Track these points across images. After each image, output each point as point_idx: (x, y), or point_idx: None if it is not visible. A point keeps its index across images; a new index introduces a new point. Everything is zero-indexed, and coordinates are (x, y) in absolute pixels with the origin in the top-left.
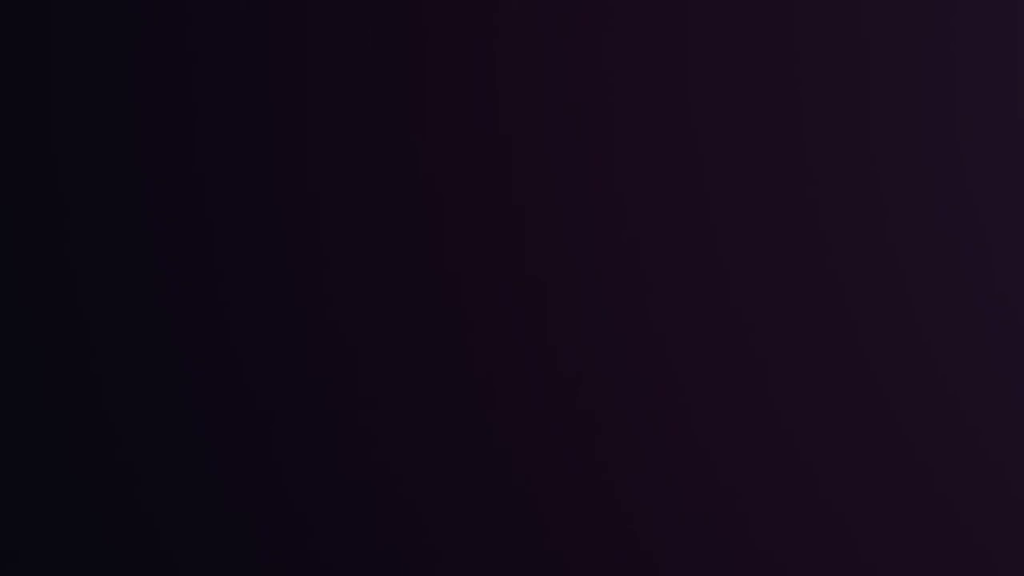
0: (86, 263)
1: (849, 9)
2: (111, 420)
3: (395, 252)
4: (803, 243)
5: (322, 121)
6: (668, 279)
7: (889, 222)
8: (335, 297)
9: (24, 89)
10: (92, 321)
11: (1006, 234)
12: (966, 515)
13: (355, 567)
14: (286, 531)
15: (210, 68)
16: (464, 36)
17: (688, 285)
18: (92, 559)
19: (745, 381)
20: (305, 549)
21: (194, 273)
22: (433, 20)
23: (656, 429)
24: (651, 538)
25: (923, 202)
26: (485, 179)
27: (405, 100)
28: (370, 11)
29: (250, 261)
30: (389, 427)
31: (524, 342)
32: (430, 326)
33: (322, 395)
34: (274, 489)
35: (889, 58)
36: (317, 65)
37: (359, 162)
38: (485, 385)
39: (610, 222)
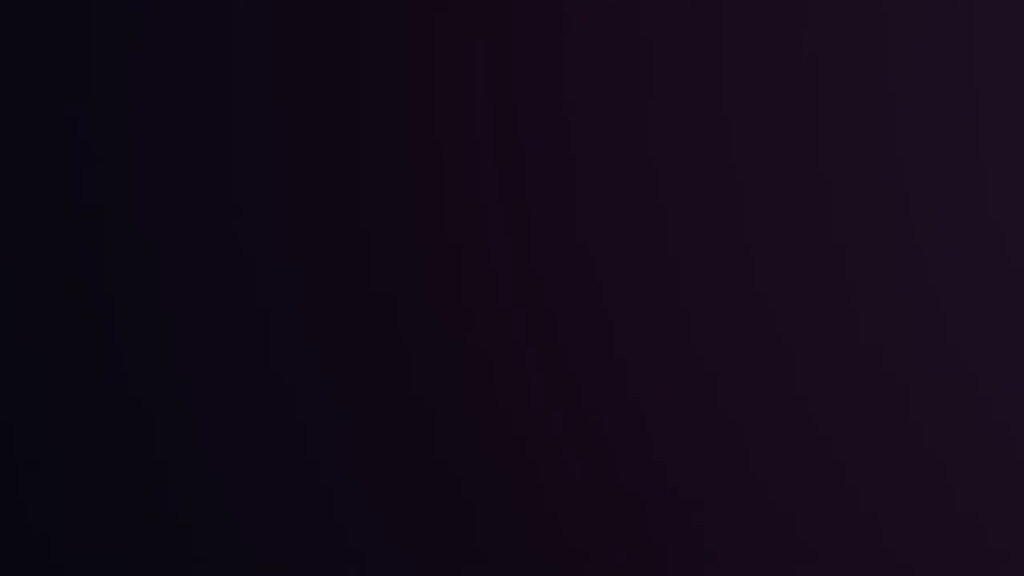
0: (85, 261)
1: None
2: (109, 418)
3: (394, 250)
4: (804, 242)
5: (324, 118)
6: (666, 279)
7: (892, 221)
8: (339, 296)
9: (27, 88)
10: (90, 318)
11: None
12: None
13: (355, 567)
14: (286, 531)
15: (212, 64)
16: (464, 34)
17: (687, 285)
18: (92, 558)
19: (744, 381)
20: (305, 549)
21: (193, 272)
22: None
23: (655, 429)
24: (652, 538)
25: (924, 203)
26: (483, 178)
27: (406, 97)
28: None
29: (250, 261)
30: (389, 426)
31: (525, 341)
32: (430, 325)
33: (322, 394)
34: (274, 489)
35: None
36: (319, 63)
37: (370, 161)
38: (486, 383)
39: (610, 221)
